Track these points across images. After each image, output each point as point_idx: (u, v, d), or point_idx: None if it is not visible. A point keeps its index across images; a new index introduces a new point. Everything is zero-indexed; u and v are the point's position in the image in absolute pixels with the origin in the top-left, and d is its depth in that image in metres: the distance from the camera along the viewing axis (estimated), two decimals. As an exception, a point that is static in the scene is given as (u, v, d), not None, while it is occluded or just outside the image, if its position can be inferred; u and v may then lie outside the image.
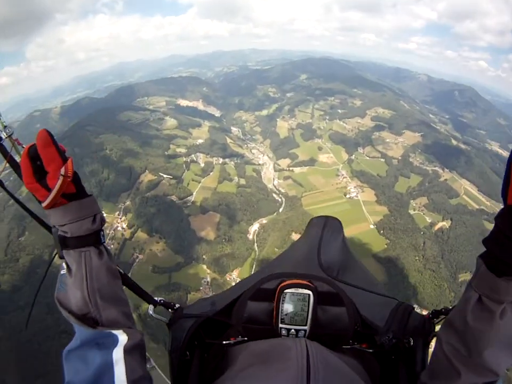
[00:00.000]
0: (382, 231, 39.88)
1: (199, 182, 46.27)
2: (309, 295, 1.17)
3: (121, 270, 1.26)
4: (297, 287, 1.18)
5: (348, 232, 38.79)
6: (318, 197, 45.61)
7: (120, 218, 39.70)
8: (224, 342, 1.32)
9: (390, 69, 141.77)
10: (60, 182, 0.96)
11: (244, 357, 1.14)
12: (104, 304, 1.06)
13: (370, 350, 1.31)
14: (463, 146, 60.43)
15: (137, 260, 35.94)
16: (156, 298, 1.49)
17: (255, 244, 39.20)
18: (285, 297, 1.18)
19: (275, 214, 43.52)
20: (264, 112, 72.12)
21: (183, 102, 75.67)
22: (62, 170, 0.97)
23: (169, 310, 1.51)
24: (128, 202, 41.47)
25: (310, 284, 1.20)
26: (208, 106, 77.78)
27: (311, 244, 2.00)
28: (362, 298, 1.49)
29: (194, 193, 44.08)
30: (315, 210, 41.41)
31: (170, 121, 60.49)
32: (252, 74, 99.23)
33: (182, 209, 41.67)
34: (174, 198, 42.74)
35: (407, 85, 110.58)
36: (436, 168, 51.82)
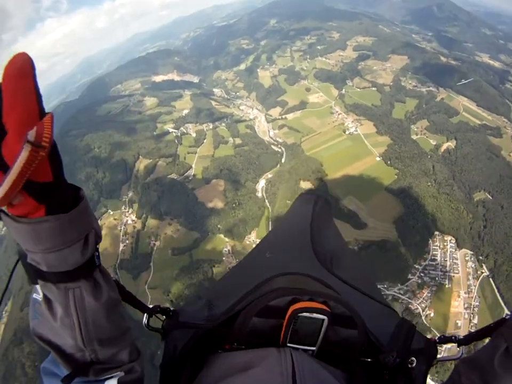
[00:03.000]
0: (389, 162, 40.67)
1: (195, 153, 46.91)
2: (323, 320, 1.15)
3: (119, 282, 1.13)
4: (312, 312, 1.16)
5: (356, 169, 39.81)
6: (318, 139, 46.16)
7: (128, 212, 40.56)
8: (219, 351, 1.28)
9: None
10: (24, 154, 0.59)
11: (226, 365, 1.16)
12: (102, 348, 0.95)
13: (369, 360, 1.35)
14: (453, 62, 61.06)
15: (155, 248, 36.91)
16: (151, 306, 1.43)
17: (266, 201, 40.34)
18: (297, 320, 1.17)
19: (278, 166, 44.49)
20: (243, 66, 71.89)
21: (158, 78, 75.67)
22: (31, 134, 0.60)
23: (165, 317, 1.45)
24: (131, 194, 42.29)
25: (326, 308, 1.17)
26: (185, 75, 77.80)
27: (302, 225, 2.02)
28: (363, 305, 1.53)
29: (193, 166, 44.92)
30: (318, 153, 42.74)
31: (150, 101, 60.90)
32: (220, 31, 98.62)
33: (184, 185, 42.50)
34: (174, 176, 43.56)
35: (381, 8, 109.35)
36: (430, 88, 52.22)
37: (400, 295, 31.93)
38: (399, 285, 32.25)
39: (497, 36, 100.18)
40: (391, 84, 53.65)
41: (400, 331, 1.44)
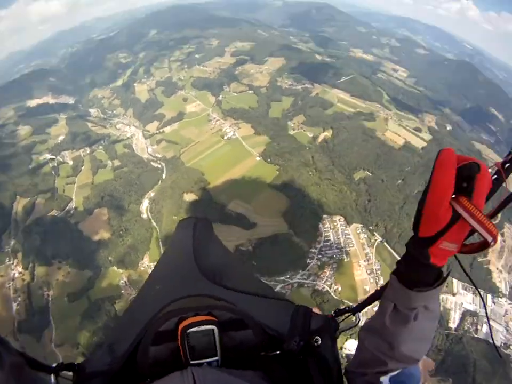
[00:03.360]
0: (269, 160, 42.80)
1: (74, 183, 44.37)
2: (212, 329, 1.23)
3: (19, 351, 1.13)
4: (199, 325, 1.23)
5: (237, 172, 40.85)
6: (197, 149, 46.58)
7: (13, 264, 36.59)
8: None
9: (244, 1, 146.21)
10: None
11: None
12: None
13: (278, 352, 1.42)
14: (328, 59, 67.83)
15: (50, 299, 33.82)
16: (53, 365, 1.36)
17: (152, 221, 39.45)
18: (188, 337, 1.22)
19: (160, 182, 43.73)
20: (119, 82, 69.71)
21: (33, 103, 69.15)
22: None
23: (72, 373, 1.42)
24: (13, 242, 38.28)
25: (211, 318, 1.26)
26: (60, 97, 72.13)
27: (185, 251, 2.04)
28: (259, 305, 1.65)
29: (73, 198, 42.33)
30: (198, 163, 43.02)
31: (24, 130, 55.66)
32: (98, 46, 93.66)
33: (67, 220, 39.86)
34: (54, 212, 40.60)
35: (262, 13, 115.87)
36: (306, 85, 56.45)
37: (304, 281, 33.99)
38: (300, 271, 34.27)
39: (371, 33, 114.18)
40: (268, 85, 56.45)
41: (297, 317, 1.53)
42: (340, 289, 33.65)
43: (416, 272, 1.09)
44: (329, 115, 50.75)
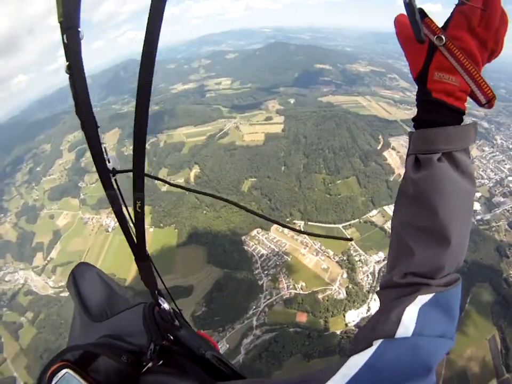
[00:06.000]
0: (161, 224, 43.35)
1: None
2: (66, 373, 1.12)
3: None
4: (51, 378, 1.11)
5: None
6: (92, 256, 44.18)
7: None
8: None
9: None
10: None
11: None
12: None
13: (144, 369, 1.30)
14: (156, 107, 71.07)
15: None
16: None
17: None
18: None
19: None
20: None
21: None
22: None
23: None
24: None
25: (61, 364, 1.15)
26: None
27: (76, 306, 1.97)
28: (121, 325, 1.57)
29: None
30: (102, 267, 39.23)
31: None
32: None
33: None
34: None
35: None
36: (151, 141, 59.00)
37: (270, 300, 34.76)
38: (260, 296, 35.09)
39: (181, 64, 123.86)
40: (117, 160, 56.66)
41: (145, 317, 1.43)
42: (304, 284, 35.22)
43: (429, 113, 1.02)
44: (187, 154, 53.41)
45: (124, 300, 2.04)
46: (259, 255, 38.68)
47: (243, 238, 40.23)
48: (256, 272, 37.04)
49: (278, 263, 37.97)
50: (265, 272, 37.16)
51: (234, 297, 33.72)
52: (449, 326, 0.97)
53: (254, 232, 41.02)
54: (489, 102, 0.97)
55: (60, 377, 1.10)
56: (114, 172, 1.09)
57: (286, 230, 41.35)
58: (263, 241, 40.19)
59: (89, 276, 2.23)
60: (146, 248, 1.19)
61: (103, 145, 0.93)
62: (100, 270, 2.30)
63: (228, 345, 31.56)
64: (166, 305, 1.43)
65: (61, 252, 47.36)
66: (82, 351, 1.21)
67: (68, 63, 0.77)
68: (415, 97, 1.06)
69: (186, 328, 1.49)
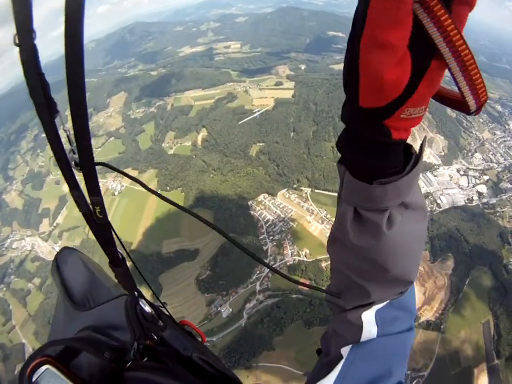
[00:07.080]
0: (168, 188, 43.32)
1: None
2: (46, 369, 1.05)
3: None
4: (32, 374, 1.03)
5: (149, 216, 40.99)
6: None
7: None
8: None
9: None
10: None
11: None
12: None
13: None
14: (163, 70, 69.62)
15: None
16: None
17: None
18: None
19: None
20: None
21: None
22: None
23: None
24: None
25: (41, 359, 1.06)
26: None
27: (60, 293, 1.90)
28: (104, 316, 1.49)
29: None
30: None
31: None
32: None
33: None
34: None
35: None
36: (158, 104, 58.63)
37: (274, 271, 35.07)
38: (265, 260, 35.49)
39: (189, 26, 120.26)
40: (123, 123, 57.00)
41: (128, 313, 1.33)
42: (308, 252, 35.43)
43: (369, 155, 0.71)
44: (194, 117, 52.61)
45: (106, 288, 1.95)
46: (265, 220, 38.82)
47: (249, 202, 40.33)
48: (262, 237, 37.33)
49: (283, 229, 38.14)
50: (271, 237, 37.40)
51: (238, 262, 33.99)
52: (407, 320, 1.00)
53: (261, 197, 41.12)
54: (479, 108, 0.63)
55: (40, 374, 1.04)
56: (80, 166, 0.82)
57: (292, 196, 41.50)
58: (270, 206, 40.27)
59: (72, 260, 2.17)
60: (118, 250, 1.16)
61: (66, 132, 0.78)
62: (83, 254, 2.22)
63: (231, 310, 32.51)
64: (147, 308, 1.34)
65: (67, 217, 48.01)
66: (63, 346, 1.14)
67: (16, 31, 0.57)
68: (346, 116, 0.71)
69: (170, 327, 1.37)
